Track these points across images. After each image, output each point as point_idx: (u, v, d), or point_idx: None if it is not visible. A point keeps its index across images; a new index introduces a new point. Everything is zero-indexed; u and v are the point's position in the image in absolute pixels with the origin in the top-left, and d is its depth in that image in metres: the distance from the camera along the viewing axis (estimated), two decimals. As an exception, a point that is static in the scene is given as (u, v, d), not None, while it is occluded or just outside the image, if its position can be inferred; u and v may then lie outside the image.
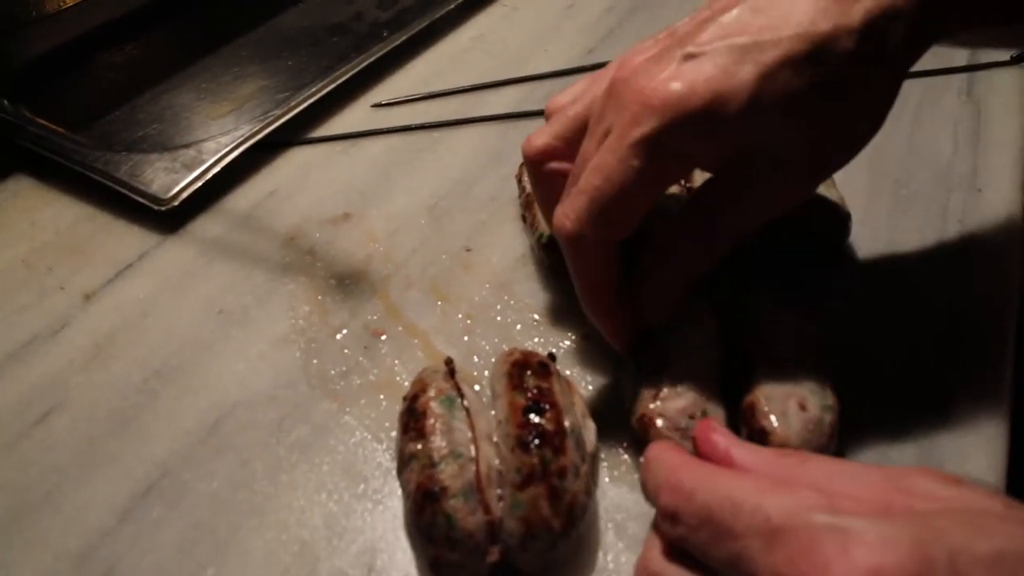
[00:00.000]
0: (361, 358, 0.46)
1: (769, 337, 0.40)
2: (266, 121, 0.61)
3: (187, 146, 0.59)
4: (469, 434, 0.36)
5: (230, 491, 0.41)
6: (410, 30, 0.72)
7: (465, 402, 0.37)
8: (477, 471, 0.34)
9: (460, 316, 0.48)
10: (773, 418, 0.36)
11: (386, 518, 0.39)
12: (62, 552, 0.39)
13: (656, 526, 0.31)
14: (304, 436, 0.43)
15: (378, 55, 0.69)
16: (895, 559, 0.23)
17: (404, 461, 0.36)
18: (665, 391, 0.37)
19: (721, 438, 0.32)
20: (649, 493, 0.32)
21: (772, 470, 0.29)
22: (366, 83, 0.68)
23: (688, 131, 0.33)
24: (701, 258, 0.38)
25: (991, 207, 0.54)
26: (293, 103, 0.63)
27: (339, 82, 0.65)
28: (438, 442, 0.35)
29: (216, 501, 0.40)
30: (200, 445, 0.43)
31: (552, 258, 0.48)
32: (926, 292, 0.48)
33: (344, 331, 0.48)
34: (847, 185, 0.51)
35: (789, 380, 0.37)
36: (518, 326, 0.47)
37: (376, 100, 0.67)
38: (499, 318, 0.48)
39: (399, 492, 0.39)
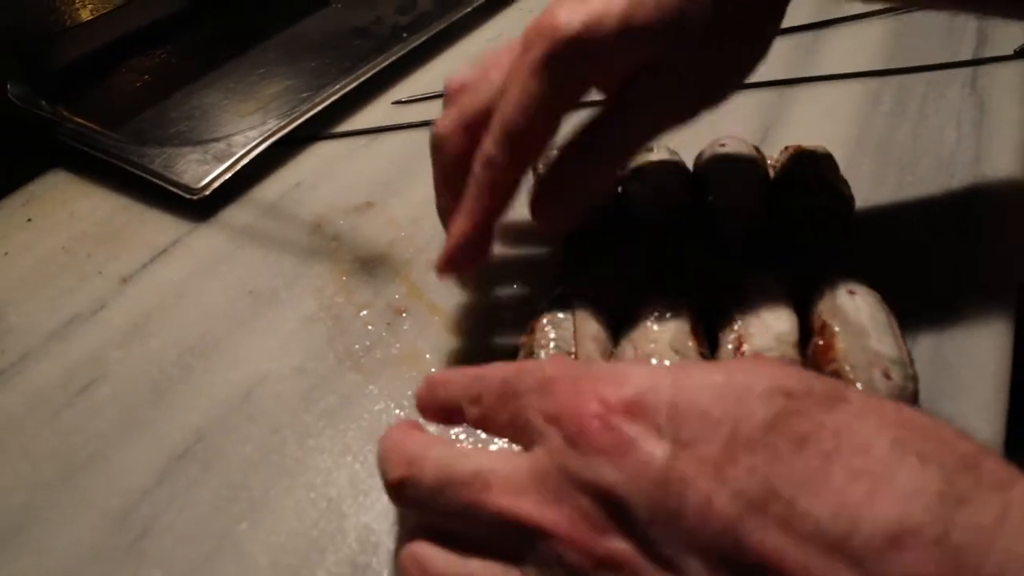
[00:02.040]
0: (384, 334, 0.49)
1: (846, 307, 0.42)
2: (292, 116, 0.64)
3: (217, 140, 0.61)
4: (572, 331, 0.41)
5: (261, 455, 0.43)
6: (429, 31, 0.75)
7: (572, 309, 0.43)
8: None
9: (481, 295, 0.51)
10: (859, 385, 0.38)
11: (409, 477, 0.41)
12: (106, 510, 0.41)
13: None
14: (331, 405, 0.45)
15: (398, 55, 0.71)
16: (620, 391, 0.27)
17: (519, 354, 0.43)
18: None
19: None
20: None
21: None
22: (387, 82, 0.71)
23: (577, 50, 0.37)
24: (593, 173, 0.42)
25: (994, 193, 0.56)
26: (317, 100, 0.65)
27: (361, 80, 0.68)
28: (541, 337, 0.41)
29: (249, 463, 0.43)
30: (233, 413, 0.45)
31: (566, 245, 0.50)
32: (928, 274, 0.50)
33: (368, 309, 0.50)
34: (852, 171, 0.53)
35: (870, 350, 0.39)
36: (542, 302, 0.49)
37: (396, 98, 0.70)
38: (519, 296, 0.50)
39: (421, 454, 0.42)
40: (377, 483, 0.40)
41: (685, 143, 0.55)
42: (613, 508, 0.25)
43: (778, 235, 0.50)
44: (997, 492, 0.23)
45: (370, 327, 0.49)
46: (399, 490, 0.32)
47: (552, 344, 0.41)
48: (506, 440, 0.31)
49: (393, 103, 0.69)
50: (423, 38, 0.74)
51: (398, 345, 0.48)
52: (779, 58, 0.72)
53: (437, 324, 0.49)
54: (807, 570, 0.23)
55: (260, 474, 0.42)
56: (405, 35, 0.75)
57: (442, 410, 0.35)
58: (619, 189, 0.52)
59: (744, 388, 0.26)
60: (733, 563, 0.24)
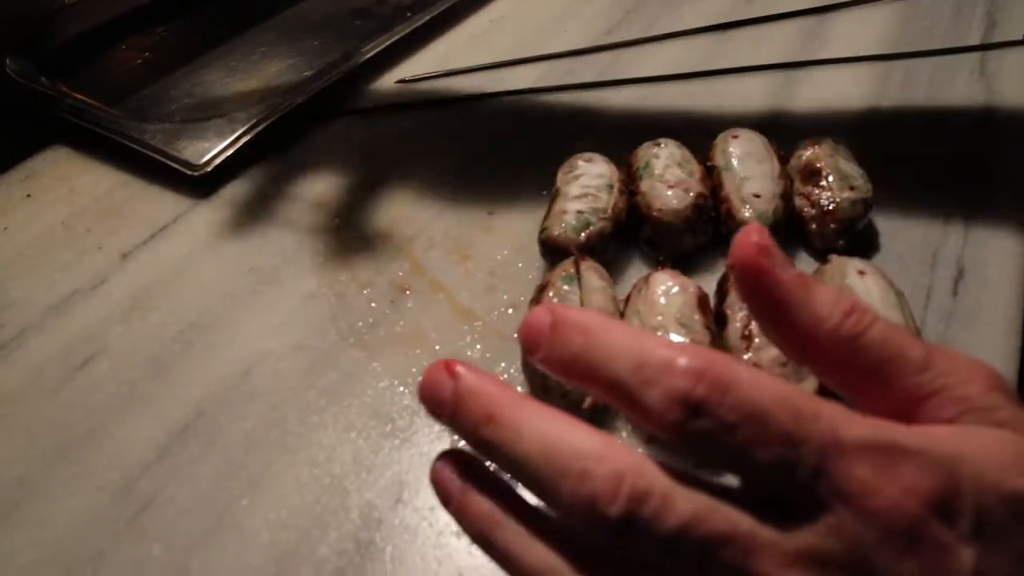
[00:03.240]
0: (387, 311, 0.48)
1: (856, 287, 0.43)
2: (295, 94, 0.63)
3: (219, 116, 0.61)
4: (579, 303, 0.41)
5: (263, 431, 0.43)
6: (432, 11, 0.74)
7: (580, 280, 0.43)
8: None
9: (483, 274, 0.50)
10: None
11: (412, 454, 0.41)
12: (105, 483, 0.41)
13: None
14: (333, 382, 0.45)
15: (402, 34, 0.71)
16: (931, 482, 0.22)
17: None
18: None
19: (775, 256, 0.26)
20: (627, 374, 0.23)
21: (831, 336, 0.25)
22: (390, 61, 0.71)
23: None
24: None
25: (1003, 179, 0.55)
26: (321, 78, 0.65)
27: (365, 58, 0.68)
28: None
29: (249, 440, 0.42)
30: (233, 389, 0.45)
31: (546, 258, 0.49)
32: (935, 261, 0.49)
33: (371, 287, 0.50)
34: (859, 157, 0.52)
35: None
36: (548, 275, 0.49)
37: (400, 76, 0.69)
38: (521, 276, 0.50)
39: (425, 431, 0.42)
40: (380, 460, 0.40)
41: (697, 137, 0.55)
42: None
43: (794, 225, 0.50)
44: None
45: (373, 304, 0.49)
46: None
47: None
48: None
49: (397, 82, 0.69)
50: (427, 17, 0.73)
51: (402, 323, 0.48)
52: (785, 42, 0.71)
53: (441, 302, 0.49)
54: None
55: (261, 450, 0.42)
56: (409, 14, 0.74)
57: (578, 372, 0.25)
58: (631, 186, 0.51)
59: None
60: None
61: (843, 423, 0.22)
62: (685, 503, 0.22)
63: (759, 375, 0.23)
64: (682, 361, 0.22)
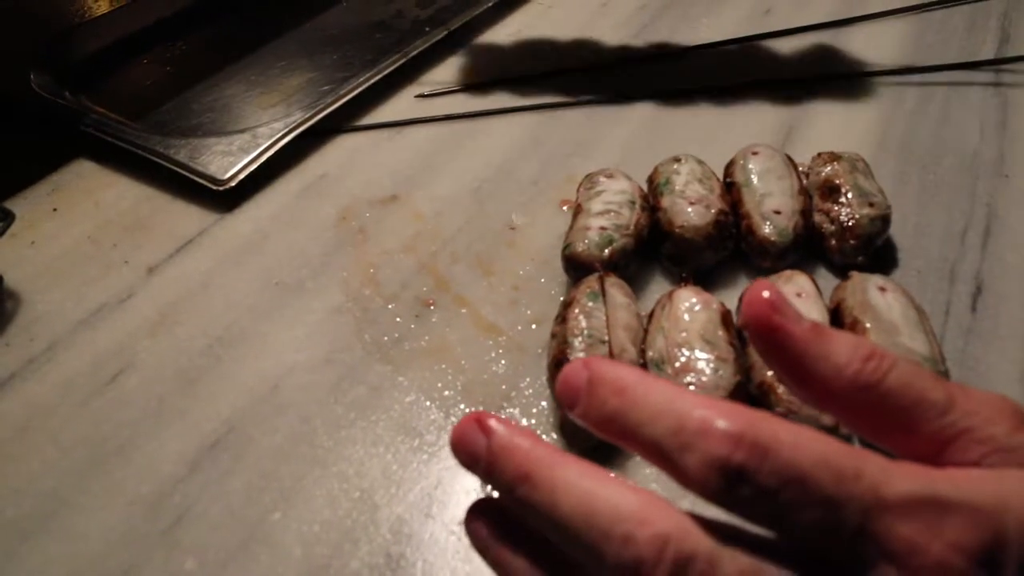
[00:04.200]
0: (413, 325, 0.49)
1: (878, 304, 0.44)
2: (316, 108, 0.64)
3: (242, 131, 0.62)
4: (605, 320, 0.42)
5: (292, 444, 0.43)
6: (450, 26, 0.75)
7: (605, 297, 0.44)
8: (610, 351, 0.41)
9: (506, 289, 0.51)
10: None
11: (440, 468, 0.41)
12: (136, 498, 0.41)
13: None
14: (360, 396, 0.45)
15: (420, 49, 0.72)
16: (975, 535, 0.22)
17: (549, 343, 0.44)
18: None
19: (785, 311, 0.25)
20: (674, 435, 0.23)
21: (848, 386, 0.25)
22: (409, 75, 0.71)
23: None
24: None
25: (1017, 191, 0.56)
26: (342, 92, 0.65)
27: (384, 73, 0.68)
28: (574, 326, 0.42)
29: (280, 453, 0.43)
30: (262, 403, 0.45)
31: (569, 273, 0.49)
32: (953, 275, 0.50)
33: (395, 301, 0.51)
34: (874, 171, 0.53)
35: (902, 346, 0.41)
36: (562, 297, 0.50)
37: (419, 91, 0.70)
38: (544, 290, 0.50)
39: (453, 445, 0.42)
40: (409, 475, 0.41)
41: (713, 151, 0.55)
42: None
43: (813, 241, 0.51)
44: None
45: (398, 319, 0.49)
46: (729, 478, 0.22)
47: (585, 332, 0.42)
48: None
49: (416, 97, 0.69)
50: (445, 32, 0.74)
51: (427, 337, 0.48)
52: (800, 56, 0.72)
53: (465, 317, 0.49)
54: None
55: (291, 464, 0.42)
56: (427, 28, 0.75)
57: (614, 431, 0.24)
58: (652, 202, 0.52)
59: None
60: None
61: (884, 480, 0.22)
62: (731, 566, 0.22)
63: (799, 434, 0.23)
64: (720, 424, 0.22)
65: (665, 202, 0.51)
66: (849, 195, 0.50)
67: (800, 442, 0.22)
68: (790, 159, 0.54)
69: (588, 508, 0.23)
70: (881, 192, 0.51)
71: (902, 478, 0.22)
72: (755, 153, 0.53)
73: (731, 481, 0.22)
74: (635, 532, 0.22)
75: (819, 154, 0.54)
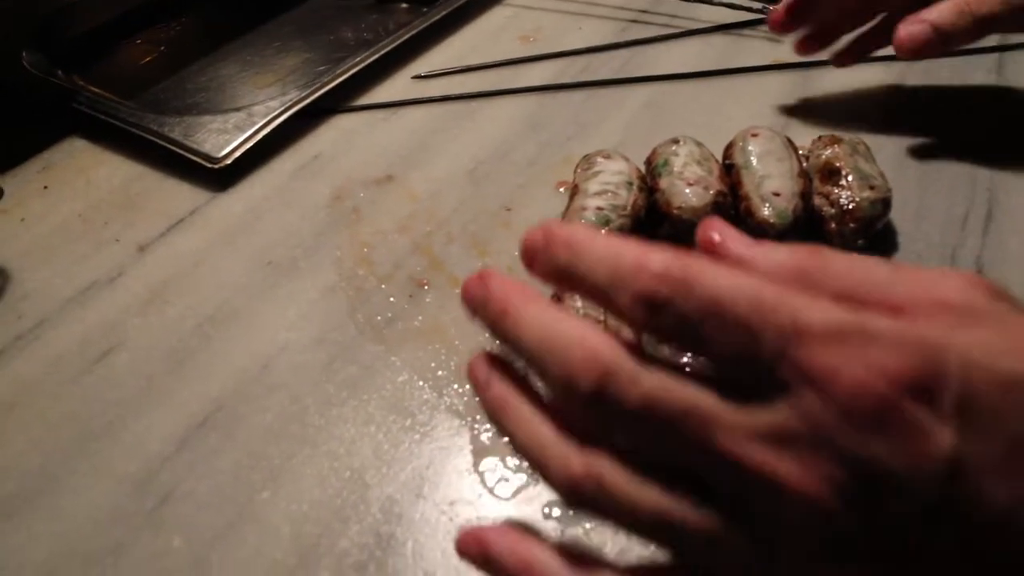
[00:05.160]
0: (406, 305, 0.48)
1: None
2: (312, 88, 0.63)
3: (237, 110, 0.61)
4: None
5: (282, 423, 0.43)
6: (449, 6, 0.74)
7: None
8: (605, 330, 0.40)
9: (501, 269, 0.50)
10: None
11: (432, 448, 0.41)
12: (124, 476, 0.41)
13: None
14: (352, 375, 0.45)
15: (418, 29, 0.71)
16: (903, 362, 0.22)
17: None
18: None
19: (729, 238, 0.28)
20: (601, 277, 0.25)
21: (789, 274, 0.26)
22: (406, 56, 0.70)
23: None
24: None
25: (1021, 179, 0.55)
26: (338, 72, 0.65)
27: (380, 53, 0.68)
28: (569, 303, 0.42)
29: (269, 432, 0.42)
30: (253, 382, 0.45)
31: None
32: (952, 261, 0.49)
33: (389, 281, 0.50)
34: (875, 156, 0.52)
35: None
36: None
37: (416, 72, 0.69)
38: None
39: (444, 426, 0.42)
40: (400, 454, 0.40)
41: (712, 133, 0.55)
42: (877, 492, 0.22)
43: (812, 224, 0.50)
44: None
45: (392, 299, 0.49)
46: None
47: (580, 312, 0.41)
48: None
49: (413, 77, 0.69)
50: (442, 12, 0.73)
51: (420, 317, 0.47)
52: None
53: (459, 297, 0.48)
54: None
55: (281, 443, 0.42)
56: (425, 10, 0.74)
57: (565, 281, 0.27)
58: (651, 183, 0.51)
59: None
60: None
61: (805, 309, 0.23)
62: (651, 379, 0.24)
63: (728, 271, 0.24)
64: (650, 264, 0.24)
65: (663, 183, 0.50)
66: (849, 178, 0.50)
67: (724, 277, 0.24)
68: (790, 141, 0.53)
69: (543, 332, 0.26)
70: (882, 175, 0.50)
71: (826, 309, 0.23)
72: (755, 135, 0.53)
73: (654, 311, 0.24)
74: (573, 349, 0.25)
75: (819, 137, 0.53)
